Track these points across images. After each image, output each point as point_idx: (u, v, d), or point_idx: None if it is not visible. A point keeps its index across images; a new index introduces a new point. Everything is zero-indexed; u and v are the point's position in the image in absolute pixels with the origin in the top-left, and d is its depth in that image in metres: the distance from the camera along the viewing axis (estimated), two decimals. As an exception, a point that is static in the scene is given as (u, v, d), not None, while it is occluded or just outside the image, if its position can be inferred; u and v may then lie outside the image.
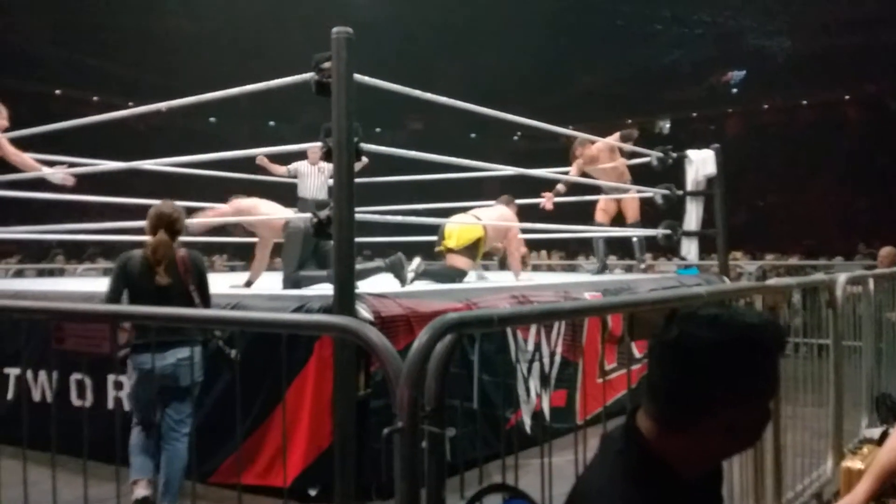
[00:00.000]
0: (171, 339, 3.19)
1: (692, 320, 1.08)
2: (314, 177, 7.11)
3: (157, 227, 3.35)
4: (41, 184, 5.75)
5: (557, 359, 4.64)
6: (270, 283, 4.99)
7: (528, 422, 4.27)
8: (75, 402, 4.01)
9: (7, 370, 4.40)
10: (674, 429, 1.06)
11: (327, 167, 6.15)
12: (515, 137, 28.63)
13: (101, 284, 6.08)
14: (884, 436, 2.60)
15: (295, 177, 7.30)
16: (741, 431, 1.06)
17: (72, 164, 5.57)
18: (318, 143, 3.43)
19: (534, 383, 4.41)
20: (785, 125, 26.32)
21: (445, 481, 1.25)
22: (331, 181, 3.78)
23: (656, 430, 1.07)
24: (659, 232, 6.81)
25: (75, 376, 4.03)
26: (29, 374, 4.14)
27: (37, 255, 13.46)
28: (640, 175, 6.97)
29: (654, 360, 1.09)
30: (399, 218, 4.82)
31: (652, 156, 6.78)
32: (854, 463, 2.69)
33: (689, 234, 6.97)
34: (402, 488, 1.21)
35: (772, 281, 3.05)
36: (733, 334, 1.04)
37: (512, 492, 1.34)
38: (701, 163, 6.84)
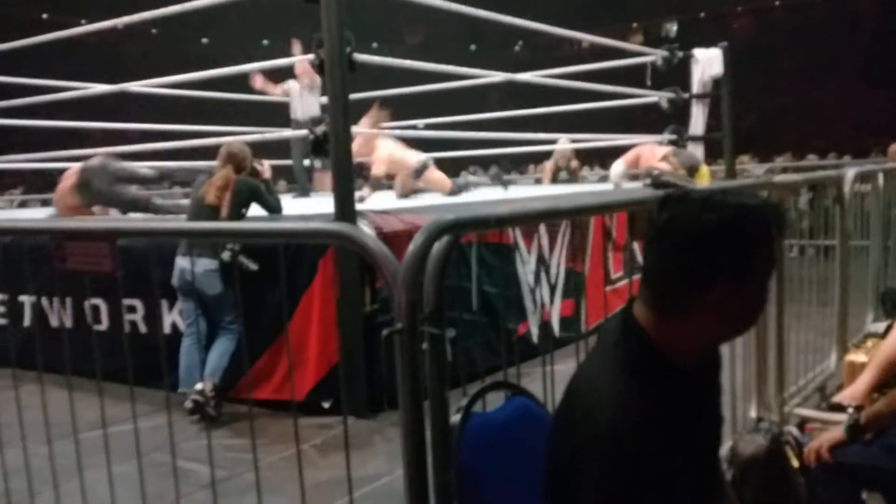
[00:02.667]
0: (195, 249, 3.41)
1: (684, 201, 1.06)
2: (305, 96, 6.87)
3: (224, 163, 3.73)
4: (40, 110, 5.67)
5: (562, 269, 4.65)
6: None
7: (535, 332, 4.33)
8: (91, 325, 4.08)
9: (22, 298, 4.46)
10: (669, 313, 1.05)
11: (318, 86, 5.97)
12: (517, 48, 27.74)
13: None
14: (888, 329, 2.60)
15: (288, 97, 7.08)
16: (736, 315, 1.05)
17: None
18: (307, 57, 3.33)
19: (539, 294, 4.45)
20: (796, 21, 25.36)
21: (447, 380, 1.26)
22: (323, 99, 3.70)
23: (653, 318, 1.06)
24: (664, 137, 6.68)
25: (90, 302, 4.08)
26: (44, 301, 4.19)
27: (39, 187, 13.44)
28: (643, 78, 6.74)
29: (649, 245, 1.08)
30: (398, 132, 4.74)
31: (657, 55, 6.56)
32: (857, 356, 2.71)
33: (694, 138, 6.83)
34: (405, 389, 1.22)
35: (779, 177, 3.00)
36: (726, 214, 1.02)
37: (514, 389, 1.35)
38: (707, 62, 6.61)
